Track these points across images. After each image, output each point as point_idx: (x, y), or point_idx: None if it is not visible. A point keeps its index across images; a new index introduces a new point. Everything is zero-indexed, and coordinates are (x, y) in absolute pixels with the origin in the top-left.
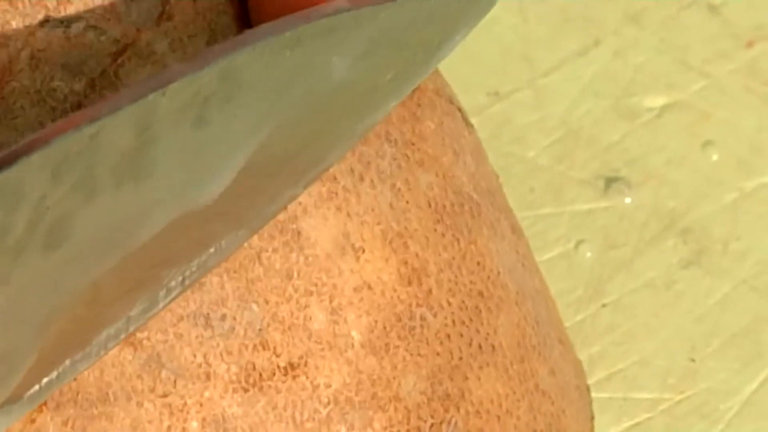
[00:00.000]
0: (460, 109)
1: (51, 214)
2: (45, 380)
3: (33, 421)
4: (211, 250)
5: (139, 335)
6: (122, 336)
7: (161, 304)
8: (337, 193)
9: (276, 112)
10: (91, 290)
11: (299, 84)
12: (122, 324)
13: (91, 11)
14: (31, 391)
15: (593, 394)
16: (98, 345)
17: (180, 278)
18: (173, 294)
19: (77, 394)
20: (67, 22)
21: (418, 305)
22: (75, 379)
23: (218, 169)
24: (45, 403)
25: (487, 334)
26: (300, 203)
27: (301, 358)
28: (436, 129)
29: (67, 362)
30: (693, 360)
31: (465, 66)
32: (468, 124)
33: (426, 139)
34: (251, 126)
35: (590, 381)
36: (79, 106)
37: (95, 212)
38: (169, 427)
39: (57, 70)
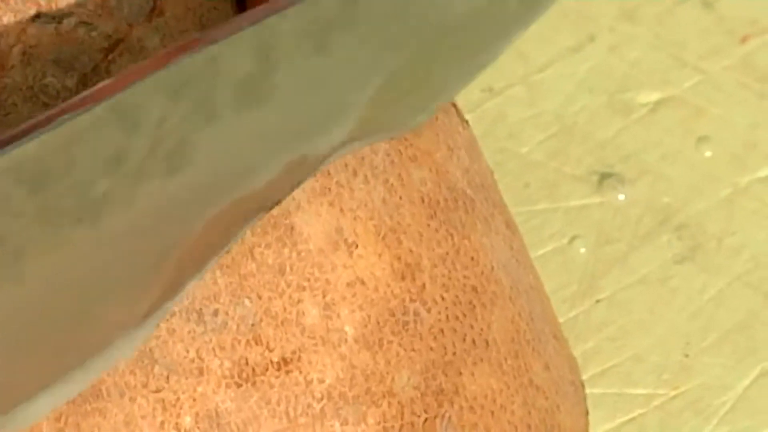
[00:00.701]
0: (454, 105)
1: (172, 137)
2: (167, 304)
3: None
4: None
5: None
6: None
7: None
8: (330, 189)
9: (399, 42)
10: (210, 220)
11: (422, 11)
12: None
13: (83, 7)
14: (155, 314)
15: (587, 390)
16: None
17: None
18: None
19: None
20: (58, 17)
21: (411, 300)
22: None
23: (340, 104)
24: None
25: (481, 329)
26: (293, 198)
27: (294, 353)
28: (430, 124)
29: (186, 285)
30: (687, 356)
31: None
32: (462, 119)
33: (419, 135)
34: (374, 57)
35: (584, 376)
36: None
37: (216, 136)
38: (162, 423)
39: (49, 65)
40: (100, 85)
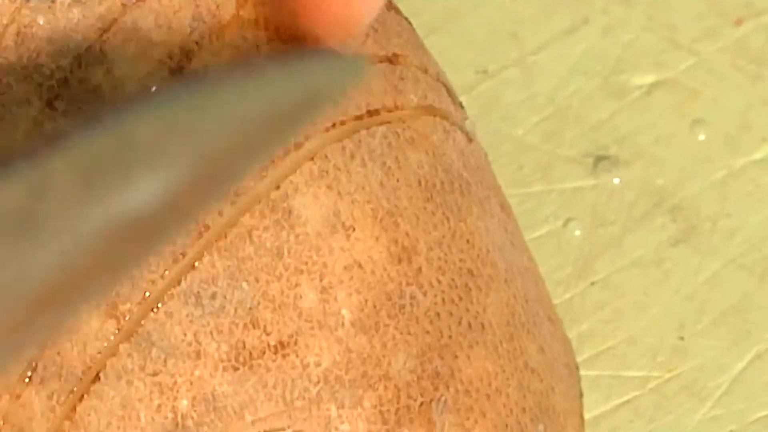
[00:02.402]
0: (447, 87)
1: None
2: None
3: (18, 396)
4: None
5: (121, 307)
6: None
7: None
8: (327, 172)
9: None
10: None
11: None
12: None
13: None
14: None
15: (582, 372)
16: None
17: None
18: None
19: (61, 368)
20: None
21: (408, 284)
22: (58, 353)
23: None
24: (30, 377)
25: (477, 312)
26: (291, 182)
27: (291, 336)
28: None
29: None
30: (682, 338)
31: (453, 44)
32: (456, 101)
33: (417, 118)
34: None
35: (579, 359)
36: (65, 81)
37: None
38: (159, 406)
39: (43, 45)
40: None
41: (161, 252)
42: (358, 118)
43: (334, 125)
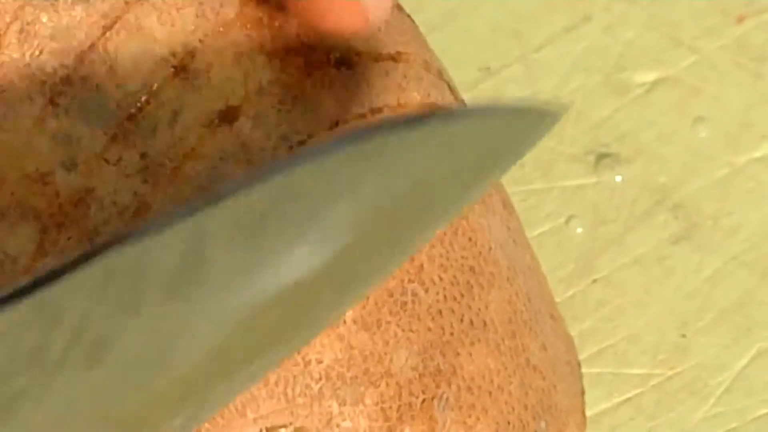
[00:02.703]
0: (450, 85)
1: (93, 331)
2: None
3: None
4: (254, 365)
5: None
6: None
7: (204, 416)
8: None
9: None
10: (136, 404)
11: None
12: None
13: None
14: None
15: (584, 370)
16: None
17: (225, 391)
18: (215, 407)
19: None
20: None
21: (409, 281)
22: None
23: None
24: None
25: (479, 309)
26: None
27: None
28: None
29: None
30: (683, 335)
31: (456, 42)
32: (458, 99)
33: None
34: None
35: (581, 356)
36: (68, 79)
37: (139, 328)
38: None
39: (46, 43)
40: (22, 282)
41: (318, 321)
42: (361, 116)
43: (337, 123)
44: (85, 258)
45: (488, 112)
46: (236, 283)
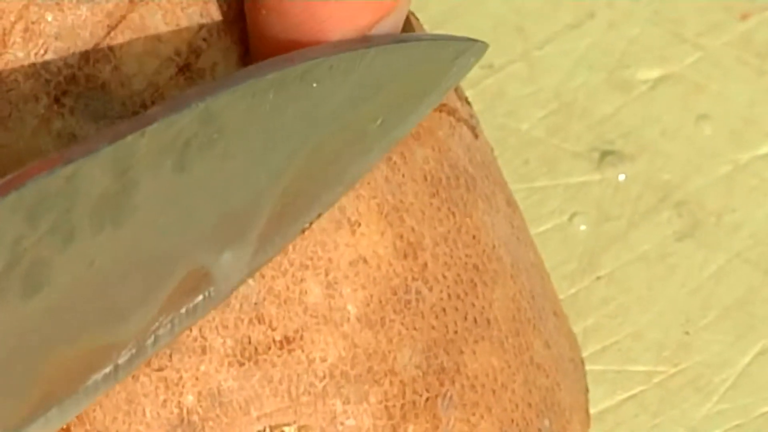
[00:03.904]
0: None
1: (28, 257)
2: (32, 426)
3: None
4: (200, 297)
5: None
6: (111, 382)
7: (150, 351)
8: None
9: (261, 159)
10: (75, 339)
11: (284, 129)
12: (110, 370)
13: None
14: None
15: (587, 367)
16: (86, 391)
17: (169, 325)
18: (161, 342)
19: None
20: None
21: (413, 279)
22: None
23: (200, 218)
24: None
25: (483, 307)
26: None
27: (296, 331)
28: None
29: (54, 410)
30: (687, 332)
31: None
32: (462, 97)
33: None
34: (234, 173)
35: (584, 354)
36: (73, 78)
37: (74, 257)
38: (164, 401)
39: (51, 42)
40: None
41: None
42: None
43: None
44: (17, 183)
45: (412, 43)
46: (166, 212)
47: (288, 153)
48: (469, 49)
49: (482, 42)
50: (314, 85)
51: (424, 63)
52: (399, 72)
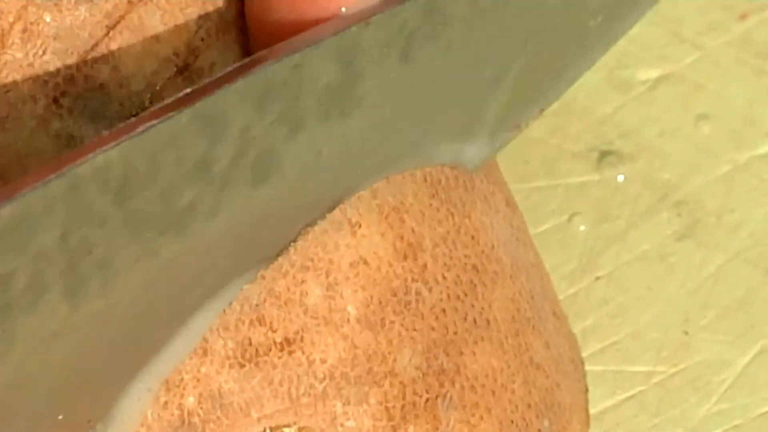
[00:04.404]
0: None
1: (257, 146)
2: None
3: None
4: None
5: None
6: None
7: None
8: None
9: (485, 54)
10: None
11: (507, 23)
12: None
13: None
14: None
15: (587, 367)
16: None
17: None
18: None
19: None
20: None
21: (413, 280)
22: None
23: (426, 111)
24: None
25: (482, 308)
26: None
27: (297, 333)
28: None
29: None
30: (686, 333)
31: None
32: None
33: None
34: (459, 66)
35: (584, 354)
36: (71, 78)
37: (302, 146)
38: (165, 403)
39: (49, 43)
40: (185, 92)
41: None
42: None
43: None
44: (245, 71)
45: None
46: (392, 103)
47: (512, 48)
48: None
49: None
50: None
51: None
52: None
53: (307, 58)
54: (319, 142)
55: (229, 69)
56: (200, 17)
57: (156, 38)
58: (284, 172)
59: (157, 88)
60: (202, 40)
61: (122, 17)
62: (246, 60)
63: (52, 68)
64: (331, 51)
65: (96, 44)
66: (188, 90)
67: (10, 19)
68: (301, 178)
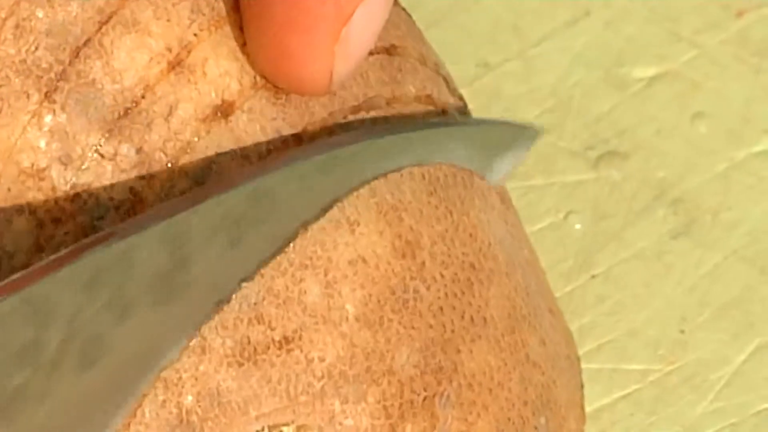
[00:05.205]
0: (447, 80)
1: (86, 330)
2: None
3: None
4: None
5: None
6: None
7: None
8: None
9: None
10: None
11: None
12: None
13: None
14: None
15: (583, 365)
16: None
17: None
18: None
19: None
20: None
21: (411, 278)
22: None
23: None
24: None
25: (479, 306)
26: None
27: (295, 331)
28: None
29: None
30: (683, 331)
31: (454, 37)
32: (456, 94)
33: None
34: (285, 241)
35: (580, 352)
36: (64, 74)
37: (130, 331)
38: (164, 402)
39: (42, 38)
40: (13, 277)
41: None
42: (356, 108)
43: (331, 115)
44: (74, 254)
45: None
46: (220, 286)
47: None
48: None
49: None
50: (363, 164)
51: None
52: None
53: (137, 244)
54: (147, 326)
55: (60, 254)
56: (192, 12)
57: (148, 34)
58: (111, 356)
59: (150, 83)
60: (195, 35)
61: (114, 13)
62: (79, 243)
63: (44, 64)
64: (161, 237)
65: (88, 40)
66: (15, 276)
67: (3, 15)
68: (127, 362)
